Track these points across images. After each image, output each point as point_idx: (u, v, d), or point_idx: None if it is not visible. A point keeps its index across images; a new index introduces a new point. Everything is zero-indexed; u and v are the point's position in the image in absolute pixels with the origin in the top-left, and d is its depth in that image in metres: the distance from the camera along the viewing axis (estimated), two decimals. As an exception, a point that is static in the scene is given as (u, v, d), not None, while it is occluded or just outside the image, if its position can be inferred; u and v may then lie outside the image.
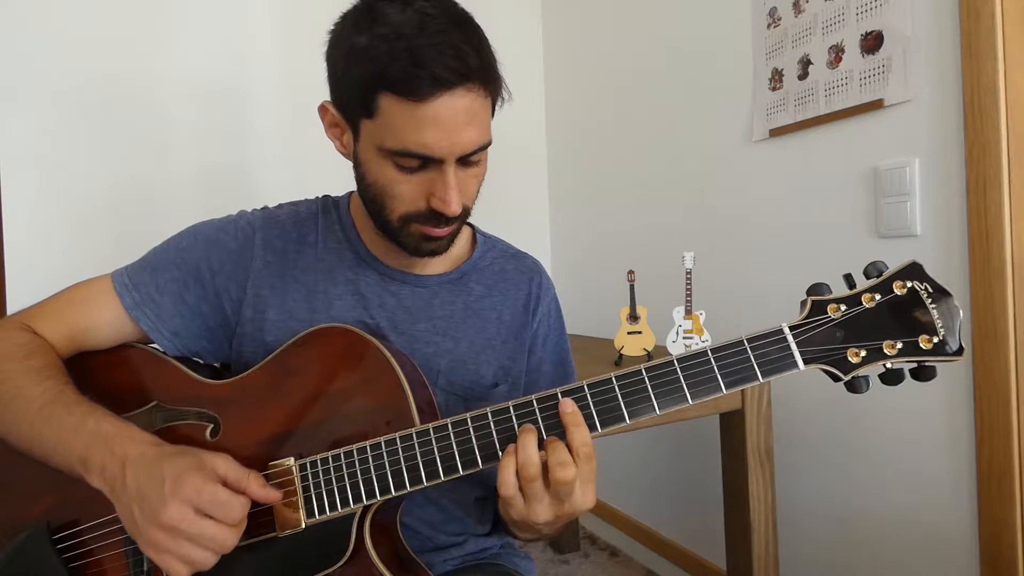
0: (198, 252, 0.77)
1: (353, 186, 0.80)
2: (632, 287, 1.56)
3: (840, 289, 0.61)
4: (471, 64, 0.64)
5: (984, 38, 1.10)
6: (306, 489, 0.63)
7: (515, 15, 2.44)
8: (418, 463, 0.62)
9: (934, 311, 0.57)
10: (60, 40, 1.73)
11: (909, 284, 0.59)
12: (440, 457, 0.62)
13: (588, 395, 0.61)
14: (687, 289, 1.41)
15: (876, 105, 1.27)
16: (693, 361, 0.60)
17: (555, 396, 0.61)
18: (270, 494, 0.62)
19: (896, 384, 0.59)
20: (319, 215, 0.83)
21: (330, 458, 0.64)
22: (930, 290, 0.58)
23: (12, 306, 1.66)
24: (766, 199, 1.55)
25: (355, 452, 0.63)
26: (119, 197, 1.80)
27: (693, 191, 1.78)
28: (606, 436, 0.67)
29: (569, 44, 2.35)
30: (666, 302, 1.49)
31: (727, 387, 0.59)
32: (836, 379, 0.59)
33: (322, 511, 0.63)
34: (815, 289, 0.61)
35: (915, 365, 0.59)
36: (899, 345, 0.58)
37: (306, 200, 0.86)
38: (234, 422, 0.68)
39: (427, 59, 0.62)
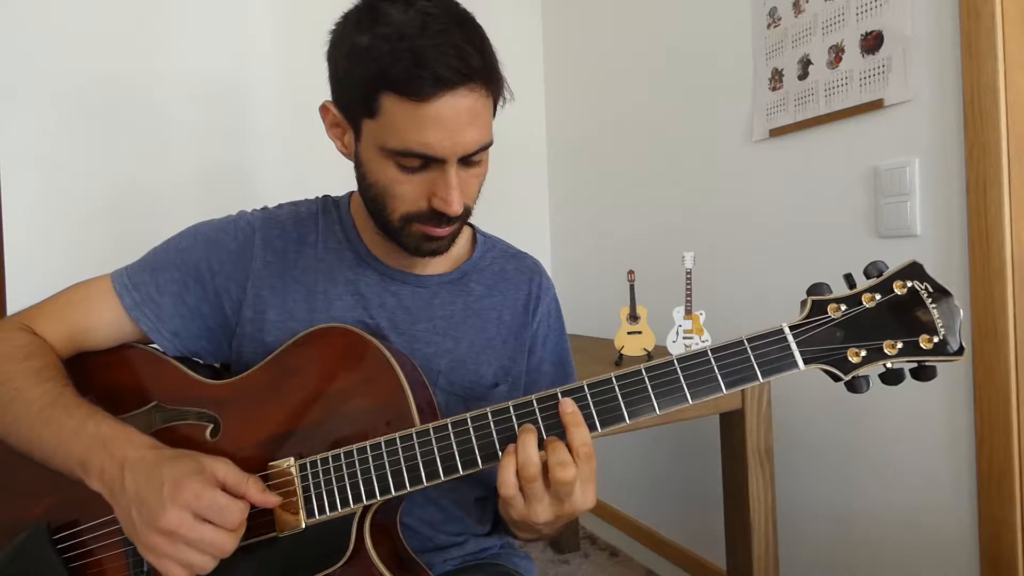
0: (198, 252, 0.77)
1: (353, 186, 0.80)
2: (632, 287, 1.56)
3: (840, 289, 0.61)
4: (473, 64, 0.65)
5: (984, 38, 1.10)
6: (306, 489, 0.63)
7: (515, 15, 2.44)
8: (418, 463, 0.62)
9: (934, 311, 0.57)
10: (60, 40, 1.73)
11: (909, 284, 0.59)
12: (440, 457, 0.62)
13: (588, 395, 0.61)
14: (687, 289, 1.41)
15: (876, 105, 1.27)
16: (693, 361, 0.60)
17: (555, 396, 0.61)
18: (269, 498, 0.61)
19: (896, 384, 0.59)
20: (319, 215, 0.83)
21: (330, 458, 0.64)
22: (930, 290, 0.58)
23: (12, 306, 1.66)
24: (766, 199, 1.55)
25: (355, 452, 0.63)
26: (119, 197, 1.80)
27: (693, 191, 1.78)
28: (606, 436, 0.67)
29: (569, 44, 2.35)
30: (666, 302, 1.49)
31: (727, 387, 0.59)
32: (836, 379, 0.59)
33: (322, 511, 0.63)
34: (815, 289, 0.61)
35: (915, 365, 0.59)
36: (899, 345, 0.57)
37: (306, 200, 0.86)
38: (234, 422, 0.68)
39: (429, 59, 0.62)
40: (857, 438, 1.38)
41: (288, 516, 0.63)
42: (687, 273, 1.42)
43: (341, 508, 0.63)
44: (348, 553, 0.63)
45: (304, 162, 1.98)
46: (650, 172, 1.95)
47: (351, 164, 0.76)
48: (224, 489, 0.59)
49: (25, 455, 0.65)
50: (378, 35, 0.64)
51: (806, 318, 0.59)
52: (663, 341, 1.46)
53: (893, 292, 0.59)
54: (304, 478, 0.64)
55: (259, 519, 0.63)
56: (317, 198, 0.86)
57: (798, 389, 1.49)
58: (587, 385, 0.61)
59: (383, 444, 0.63)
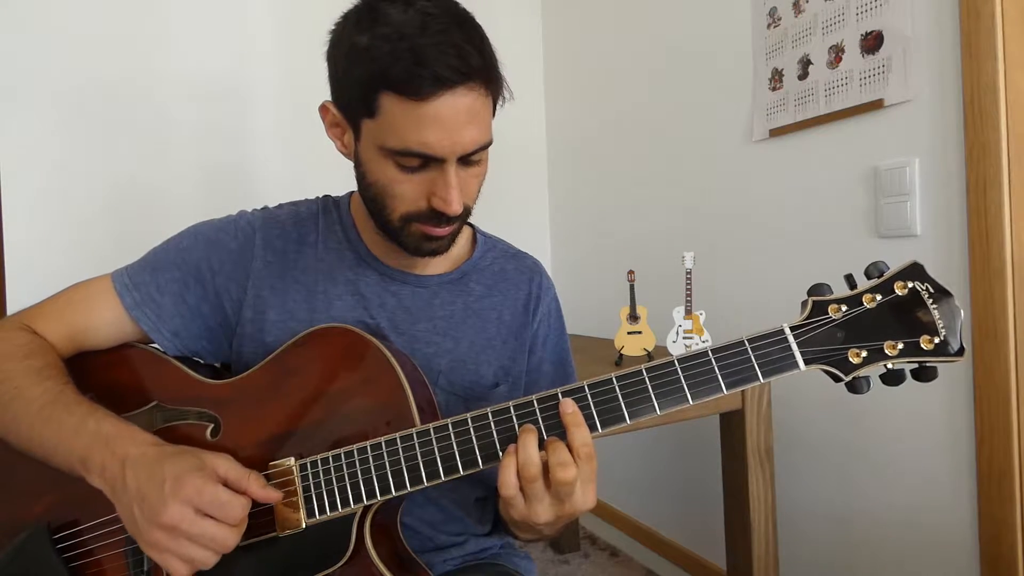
0: (198, 252, 0.77)
1: (353, 186, 0.80)
2: (632, 287, 1.56)
3: (841, 289, 0.61)
4: (473, 63, 0.65)
5: (984, 38, 1.10)
6: (306, 489, 0.63)
7: (515, 15, 2.44)
8: (418, 463, 0.62)
9: (935, 311, 0.57)
10: (60, 40, 1.73)
11: (910, 284, 0.59)
12: (440, 457, 0.62)
13: (589, 395, 0.61)
14: (687, 289, 1.41)
15: (876, 105, 1.27)
16: (694, 361, 0.60)
17: (556, 396, 0.61)
18: (270, 494, 0.62)
19: (897, 385, 0.59)
20: (319, 215, 0.83)
21: (330, 458, 0.64)
22: (931, 290, 0.58)
23: (12, 306, 1.66)
24: (766, 199, 1.55)
25: (355, 452, 0.63)
26: (119, 197, 1.80)
27: (693, 191, 1.78)
28: (606, 436, 0.67)
29: (569, 44, 2.35)
30: (666, 302, 1.49)
31: (728, 387, 0.59)
32: (837, 380, 0.59)
33: (322, 511, 0.63)
34: (816, 289, 0.61)
35: (916, 366, 0.59)
36: (900, 346, 0.58)
37: (306, 200, 0.86)
38: (234, 422, 0.68)
39: (429, 58, 0.62)
40: (857, 438, 1.38)
41: (288, 516, 0.63)
42: (687, 273, 1.42)
43: (341, 508, 0.63)
44: (348, 553, 0.63)
45: (304, 162, 1.98)
46: (650, 172, 1.95)
47: (351, 164, 0.76)
48: (226, 485, 0.59)
49: (26, 454, 0.65)
50: (378, 35, 0.64)
51: (807, 318, 0.59)
52: (663, 341, 1.46)
53: (894, 293, 0.59)
54: (304, 478, 0.64)
55: (259, 519, 0.63)
56: (317, 198, 0.86)
57: (798, 389, 1.49)
58: (588, 385, 0.61)
59: (383, 444, 0.63)
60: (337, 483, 0.63)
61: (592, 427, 0.60)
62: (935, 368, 0.58)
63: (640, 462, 2.06)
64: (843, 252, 1.37)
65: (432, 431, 0.62)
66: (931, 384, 0.59)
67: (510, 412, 0.61)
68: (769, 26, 1.51)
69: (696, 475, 1.82)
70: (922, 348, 0.57)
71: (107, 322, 0.74)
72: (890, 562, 1.33)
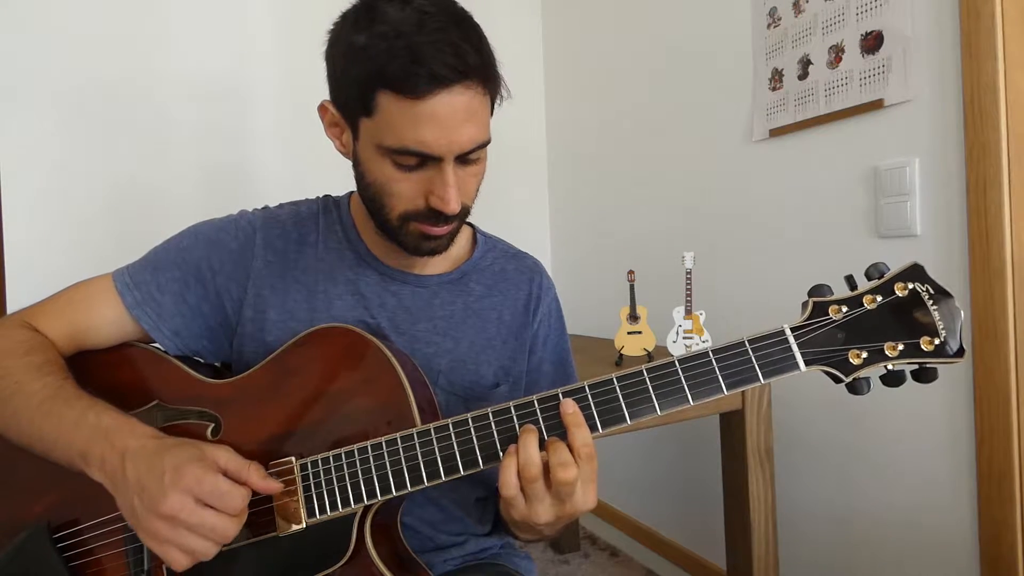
0: (199, 252, 0.77)
1: (353, 186, 0.80)
2: (632, 287, 1.56)
3: (841, 290, 0.61)
4: (470, 62, 0.65)
5: (984, 38, 1.10)
6: (307, 489, 0.63)
7: (515, 15, 2.44)
8: (419, 463, 0.62)
9: (935, 313, 0.57)
10: (60, 40, 1.73)
11: (910, 286, 0.59)
12: (441, 457, 0.62)
13: (589, 395, 0.61)
14: (687, 289, 1.41)
15: (876, 105, 1.27)
16: (694, 362, 0.60)
17: (556, 396, 0.61)
18: (271, 484, 0.61)
19: (897, 386, 0.59)
20: (320, 215, 0.83)
21: (331, 458, 0.64)
22: (931, 292, 0.58)
23: (12, 306, 1.66)
24: (766, 199, 1.55)
25: (356, 452, 0.63)
26: (119, 197, 1.80)
27: (693, 191, 1.78)
28: (606, 436, 0.67)
29: (569, 44, 2.35)
30: (666, 302, 1.49)
31: (728, 388, 0.59)
32: (837, 380, 0.59)
33: (323, 511, 0.63)
34: (816, 290, 0.61)
35: (916, 367, 0.59)
36: (900, 347, 0.58)
37: (307, 200, 0.86)
38: (235, 422, 0.68)
39: (426, 56, 0.62)
40: (857, 439, 1.38)
41: (288, 515, 0.63)
42: (687, 273, 1.42)
43: (342, 508, 0.63)
44: (348, 553, 0.63)
45: (304, 162, 1.98)
46: (650, 172, 1.95)
47: (350, 164, 0.76)
48: (226, 475, 0.59)
49: (26, 449, 0.65)
50: (375, 33, 0.64)
51: (807, 319, 0.59)
52: (663, 341, 1.46)
53: (894, 294, 0.59)
54: (305, 477, 0.64)
55: (260, 519, 0.63)
56: (318, 198, 0.86)
57: (798, 390, 1.49)
58: (588, 386, 0.61)
59: (384, 444, 0.63)
60: (337, 483, 0.63)
61: (592, 427, 0.60)
62: (935, 369, 0.58)
63: (640, 462, 2.06)
64: (843, 252, 1.37)
65: (432, 431, 0.62)
66: (931, 385, 0.59)
67: (511, 412, 0.61)
68: (769, 26, 1.51)
69: (696, 475, 1.82)
70: (922, 349, 0.57)
71: (108, 321, 0.75)
72: (890, 562, 1.33)
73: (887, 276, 0.60)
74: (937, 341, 0.57)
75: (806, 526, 1.51)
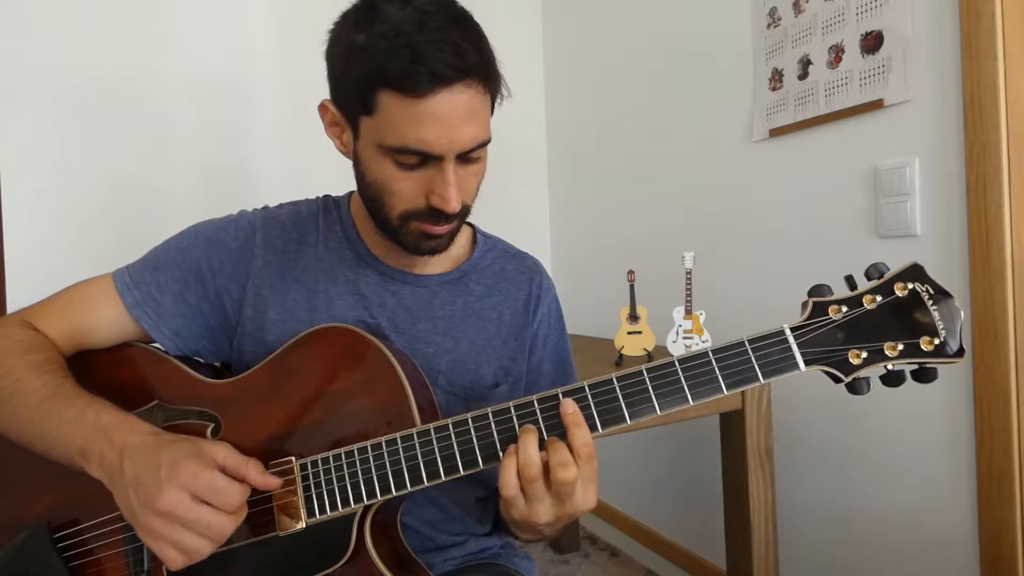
0: (199, 252, 0.77)
1: (353, 185, 0.80)
2: (632, 287, 1.56)
3: (841, 290, 0.61)
4: (470, 60, 0.65)
5: (984, 38, 1.10)
6: (307, 489, 0.63)
7: (515, 14, 2.44)
8: (419, 463, 0.62)
9: (935, 313, 0.57)
10: (60, 40, 1.73)
11: (910, 286, 0.59)
12: (441, 457, 0.62)
13: (589, 395, 0.61)
14: (687, 289, 1.41)
15: (876, 105, 1.27)
16: (694, 362, 0.60)
17: (556, 396, 0.61)
18: (269, 480, 0.61)
19: (897, 386, 0.59)
20: (320, 215, 0.83)
21: (331, 458, 0.64)
22: (931, 292, 0.58)
23: (12, 306, 1.66)
24: (766, 199, 1.55)
25: (356, 452, 0.63)
26: (119, 197, 1.80)
27: (693, 191, 1.78)
28: (606, 436, 0.67)
29: (569, 44, 2.35)
30: (666, 302, 1.49)
31: (728, 388, 0.59)
32: (837, 380, 0.59)
33: (322, 511, 0.63)
34: (816, 290, 0.61)
35: (916, 367, 0.59)
36: (900, 347, 0.58)
37: (307, 200, 0.86)
38: (235, 422, 0.68)
39: (426, 55, 0.63)
40: (857, 438, 1.38)
41: (288, 515, 0.63)
42: (687, 273, 1.42)
43: (341, 508, 0.63)
44: (348, 553, 0.63)
45: (304, 162, 1.98)
46: (650, 172, 1.95)
47: (350, 163, 0.76)
48: (224, 472, 0.59)
49: (26, 448, 0.65)
50: (375, 32, 0.64)
51: (807, 319, 0.59)
52: (663, 341, 1.46)
53: (894, 294, 0.59)
54: (305, 477, 0.64)
55: (259, 519, 0.63)
56: (317, 198, 0.87)
57: (798, 390, 1.49)
58: (588, 385, 0.61)
59: (384, 444, 0.63)
60: (337, 483, 0.63)
61: (592, 427, 0.60)
62: (935, 369, 0.58)
63: (640, 462, 2.06)
64: (843, 252, 1.37)
65: (432, 431, 0.62)
66: (931, 385, 0.59)
67: (510, 412, 0.61)
68: (769, 26, 1.51)
69: (696, 475, 1.82)
70: (922, 349, 0.57)
71: (108, 321, 0.75)
72: (890, 562, 1.33)
73: (887, 276, 0.60)
74: (937, 341, 0.57)
75: (806, 526, 1.51)
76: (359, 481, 0.62)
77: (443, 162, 0.68)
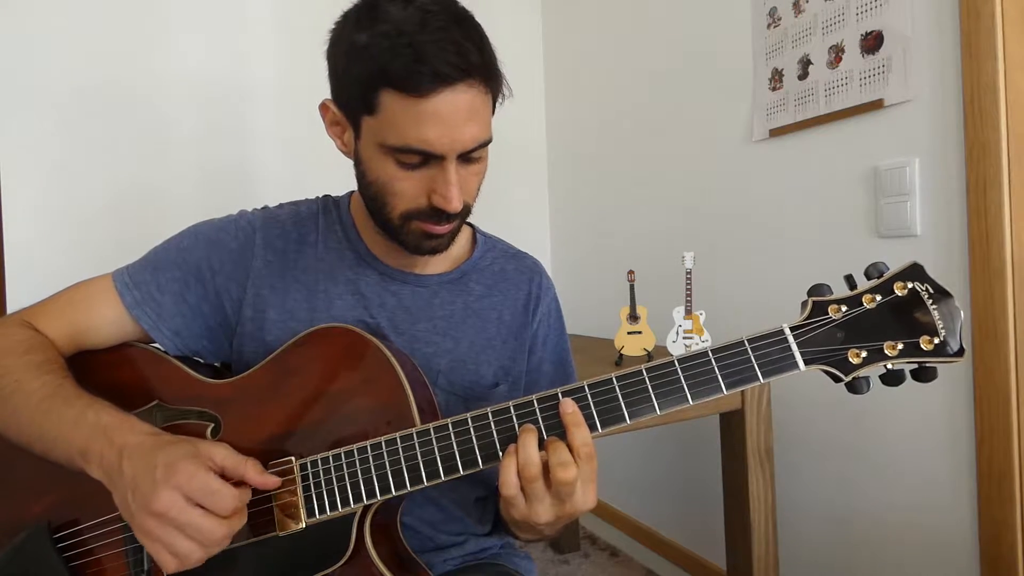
0: (199, 252, 0.77)
1: (353, 185, 0.80)
2: (632, 287, 1.56)
3: (841, 290, 0.61)
4: (472, 60, 0.65)
5: (984, 38, 1.10)
6: (306, 489, 0.63)
7: (515, 14, 2.44)
8: (418, 463, 0.62)
9: (935, 312, 0.57)
10: (60, 40, 1.73)
11: (910, 285, 0.59)
12: (440, 457, 0.62)
13: (589, 395, 0.61)
14: (687, 289, 1.41)
15: (876, 105, 1.27)
16: (694, 361, 0.60)
17: (556, 396, 0.61)
18: (268, 480, 0.61)
19: (897, 385, 0.59)
20: (319, 215, 0.83)
21: (330, 458, 0.64)
22: (931, 291, 0.58)
23: (12, 306, 1.66)
24: (766, 199, 1.55)
25: (355, 452, 0.63)
26: (119, 197, 1.80)
27: (693, 191, 1.78)
28: (606, 436, 0.67)
29: (569, 44, 2.35)
30: (666, 302, 1.49)
31: (728, 388, 0.59)
32: (837, 380, 0.59)
33: (322, 511, 0.63)
34: (816, 290, 0.61)
35: (916, 366, 0.59)
36: (900, 346, 0.58)
37: (306, 200, 0.86)
38: (235, 422, 0.68)
39: (429, 55, 0.63)
40: (857, 438, 1.38)
41: (288, 515, 0.63)
42: (687, 273, 1.42)
43: (341, 508, 0.63)
44: (348, 553, 0.63)
45: (304, 162, 1.98)
46: (650, 172, 1.95)
47: (351, 163, 0.76)
48: (223, 473, 0.59)
49: (25, 448, 0.65)
50: (377, 32, 0.64)
51: (807, 319, 0.59)
52: (663, 341, 1.46)
53: (894, 293, 0.59)
54: (304, 477, 0.64)
55: (259, 519, 0.63)
56: (317, 198, 0.87)
57: (798, 390, 1.49)
58: (588, 385, 0.61)
59: (383, 444, 0.63)
60: (337, 483, 0.63)
61: (592, 427, 0.60)
62: (935, 368, 0.58)
63: (640, 462, 2.06)
64: (843, 252, 1.37)
65: (432, 431, 0.62)
66: (931, 384, 0.59)
67: (510, 412, 0.61)
68: (769, 26, 1.51)
69: (696, 475, 1.82)
70: (922, 348, 0.57)
71: (108, 321, 0.75)
72: (890, 562, 1.33)
73: (887, 275, 0.60)
74: (937, 340, 0.57)
75: (806, 526, 1.51)
76: (359, 481, 0.62)
77: (445, 162, 0.68)
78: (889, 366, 0.59)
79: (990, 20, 1.09)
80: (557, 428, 0.60)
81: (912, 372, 0.59)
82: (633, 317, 1.52)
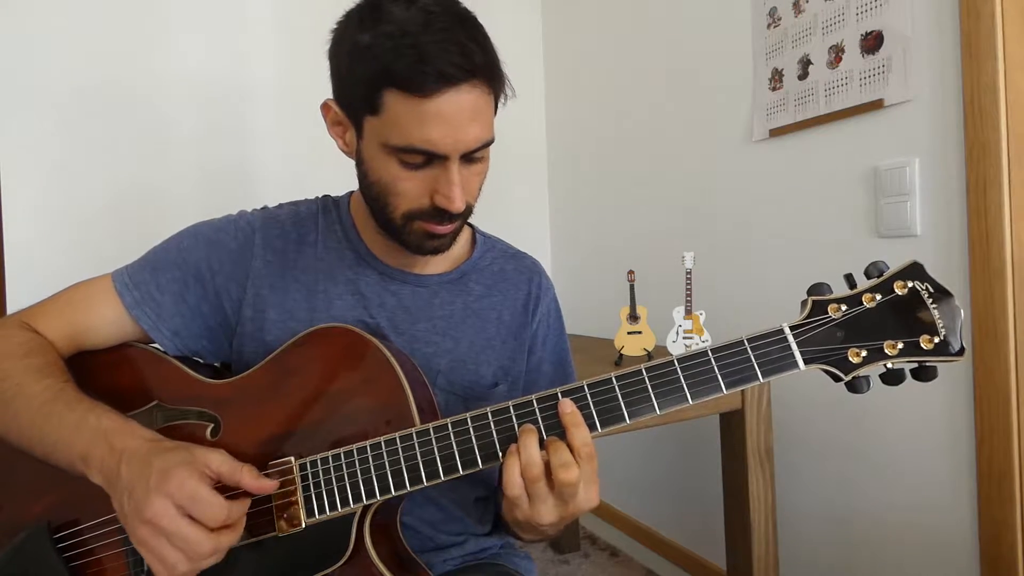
0: (199, 252, 0.77)
1: (353, 185, 0.80)
2: (632, 287, 1.56)
3: (841, 289, 0.61)
4: (476, 61, 0.65)
5: (984, 38, 1.10)
6: (306, 489, 0.63)
7: (515, 13, 2.44)
8: (418, 463, 0.62)
9: (935, 311, 0.57)
10: (60, 40, 1.73)
11: (910, 284, 0.58)
12: (440, 457, 0.62)
13: (588, 395, 0.61)
14: (687, 289, 1.41)
15: (876, 105, 1.27)
16: (693, 361, 0.60)
17: (555, 396, 0.61)
18: (264, 484, 0.61)
19: (897, 384, 0.59)
20: (319, 215, 0.83)
21: (330, 458, 0.63)
22: (931, 290, 0.58)
23: (12, 306, 1.66)
24: (766, 199, 1.55)
25: (355, 452, 0.63)
26: (119, 197, 1.80)
27: (693, 191, 1.78)
28: (606, 436, 0.67)
29: (569, 44, 2.35)
30: (666, 302, 1.49)
31: (727, 387, 0.59)
32: (837, 379, 0.59)
33: (322, 511, 0.63)
34: (816, 289, 0.61)
35: (916, 365, 0.59)
36: (900, 345, 0.57)
37: (306, 200, 0.86)
38: (234, 422, 0.68)
39: (433, 55, 0.63)
40: (857, 438, 1.38)
41: (288, 516, 0.63)
42: (687, 273, 1.42)
43: (341, 508, 0.63)
44: (348, 553, 0.63)
45: (304, 162, 1.98)
46: (650, 172, 1.95)
47: (351, 163, 0.76)
48: (219, 479, 0.59)
49: (26, 452, 0.65)
50: (381, 32, 0.64)
51: (807, 318, 0.59)
52: (663, 341, 1.46)
53: (894, 292, 0.59)
54: (304, 477, 0.63)
55: (259, 519, 0.63)
56: (317, 198, 0.86)
57: (798, 389, 1.49)
58: (587, 385, 0.61)
59: (383, 444, 0.63)
60: (337, 483, 0.63)
61: (592, 427, 0.60)
62: (935, 368, 0.58)
63: (640, 462, 2.06)
64: (843, 252, 1.37)
65: (432, 431, 0.62)
66: (931, 384, 0.59)
67: (510, 412, 0.61)
68: (769, 26, 1.51)
69: (696, 475, 1.82)
70: (922, 348, 0.57)
71: (107, 321, 0.74)
72: (890, 562, 1.33)
73: (887, 274, 0.60)
74: (937, 340, 0.57)
75: (806, 526, 1.51)
76: (358, 481, 0.62)
77: (448, 162, 0.68)
78: (889, 365, 0.58)
79: (990, 20, 1.09)
80: (557, 428, 0.60)
81: (912, 371, 0.59)
82: (633, 317, 1.52)
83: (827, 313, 0.59)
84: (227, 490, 0.60)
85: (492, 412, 0.62)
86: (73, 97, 1.74)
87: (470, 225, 0.90)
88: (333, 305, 0.78)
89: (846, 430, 1.40)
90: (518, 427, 0.60)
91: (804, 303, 0.60)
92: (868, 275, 0.60)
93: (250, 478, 0.60)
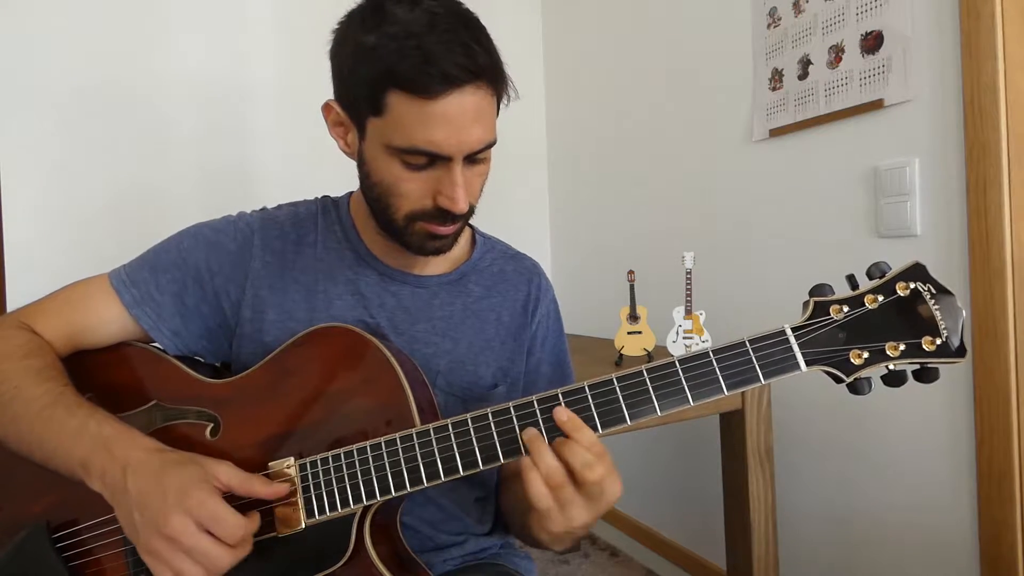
0: (198, 254, 0.77)
1: (353, 186, 0.80)
2: (632, 287, 1.56)
3: (842, 290, 0.60)
4: (480, 62, 0.65)
5: (984, 38, 1.10)
6: (306, 489, 0.63)
7: (515, 14, 2.44)
8: (418, 464, 0.62)
9: (937, 312, 0.57)
10: (60, 40, 1.73)
11: (912, 285, 0.58)
12: (440, 458, 0.61)
13: (589, 396, 0.60)
14: (687, 289, 1.41)
15: (876, 105, 1.27)
16: (695, 362, 0.59)
17: (556, 397, 0.61)
18: (278, 489, 0.61)
19: (899, 386, 0.59)
20: (319, 215, 0.83)
21: (330, 458, 0.63)
22: (933, 291, 0.58)
23: (12, 306, 1.66)
24: (766, 199, 1.55)
25: (355, 452, 0.63)
26: (119, 197, 1.80)
27: (693, 191, 1.78)
28: (606, 437, 0.67)
29: (569, 44, 2.35)
30: (666, 302, 1.49)
31: (729, 388, 0.59)
32: (838, 380, 0.59)
33: (322, 511, 0.63)
34: (817, 290, 0.60)
35: (918, 366, 0.58)
36: (902, 346, 0.57)
37: (305, 201, 0.86)
38: (234, 422, 0.68)
39: (438, 57, 0.63)
40: (857, 438, 1.38)
41: (288, 516, 0.63)
42: (687, 273, 1.42)
43: (341, 508, 0.62)
44: (348, 553, 0.63)
45: (304, 162, 1.98)
46: (650, 172, 1.95)
47: (351, 164, 0.75)
48: (230, 491, 0.59)
49: (25, 455, 0.65)
50: (385, 33, 0.64)
51: (808, 319, 0.59)
52: (663, 341, 1.45)
53: (896, 293, 0.58)
54: (304, 478, 0.63)
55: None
56: (316, 199, 0.86)
57: (798, 390, 1.49)
58: (588, 386, 0.61)
59: (383, 444, 0.62)
60: (337, 483, 0.63)
61: (593, 428, 0.60)
62: (937, 369, 0.58)
63: (640, 462, 2.06)
64: (843, 252, 1.37)
65: (432, 431, 0.62)
66: (931, 385, 0.58)
67: (510, 413, 0.61)
68: (769, 26, 1.51)
69: (696, 475, 1.82)
70: (924, 349, 0.57)
71: (106, 320, 0.74)
72: (890, 562, 1.33)
73: (888, 275, 0.59)
74: (939, 341, 0.57)
75: (806, 526, 1.51)
76: (359, 482, 0.62)
77: (451, 163, 0.68)
78: (891, 367, 0.58)
79: (990, 20, 1.09)
80: (557, 430, 0.59)
81: (914, 373, 0.59)
82: (633, 317, 1.52)
83: (829, 314, 0.59)
84: (235, 499, 0.60)
85: (493, 413, 0.61)
86: (73, 97, 1.74)
87: (470, 226, 0.90)
88: (333, 305, 0.78)
89: (846, 430, 1.40)
90: (519, 428, 0.60)
91: (806, 304, 0.60)
92: (870, 276, 0.60)
93: (262, 487, 0.61)
